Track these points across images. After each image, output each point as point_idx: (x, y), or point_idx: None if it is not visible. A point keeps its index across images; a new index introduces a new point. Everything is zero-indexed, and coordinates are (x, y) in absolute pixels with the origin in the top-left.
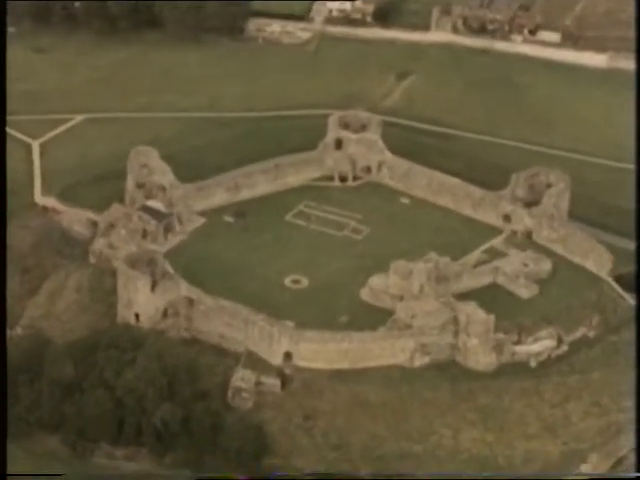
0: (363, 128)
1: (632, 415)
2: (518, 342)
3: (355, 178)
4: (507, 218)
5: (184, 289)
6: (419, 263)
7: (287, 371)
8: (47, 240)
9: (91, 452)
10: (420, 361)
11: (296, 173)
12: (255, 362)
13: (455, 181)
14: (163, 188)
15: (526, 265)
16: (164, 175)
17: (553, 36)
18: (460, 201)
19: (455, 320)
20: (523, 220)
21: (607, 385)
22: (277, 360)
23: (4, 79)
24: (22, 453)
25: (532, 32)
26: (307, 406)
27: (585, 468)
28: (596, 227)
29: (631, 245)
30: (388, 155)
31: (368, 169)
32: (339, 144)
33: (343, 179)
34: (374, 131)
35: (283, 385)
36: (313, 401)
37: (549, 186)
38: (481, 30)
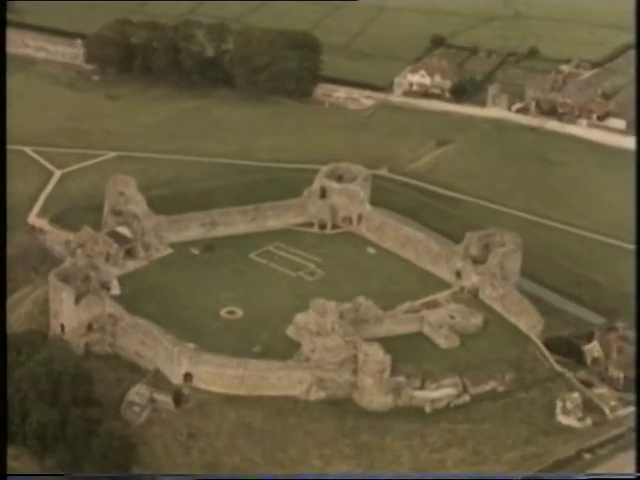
0: (353, 181)
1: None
2: (421, 388)
3: (334, 227)
4: (458, 274)
5: (108, 306)
6: (333, 303)
7: (185, 391)
8: (26, 256)
9: None
10: (316, 395)
11: (277, 217)
12: (159, 380)
13: (420, 236)
14: (137, 217)
15: (452, 317)
16: (138, 205)
17: (620, 123)
18: (421, 254)
19: (355, 359)
20: (471, 277)
21: (493, 437)
22: (178, 380)
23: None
24: None
25: (600, 118)
26: (194, 425)
27: None
28: (562, 295)
29: (587, 315)
30: (367, 207)
31: (349, 219)
32: (323, 193)
33: (322, 227)
34: (360, 184)
35: (177, 404)
36: (201, 421)
37: (502, 246)
38: (551, 112)
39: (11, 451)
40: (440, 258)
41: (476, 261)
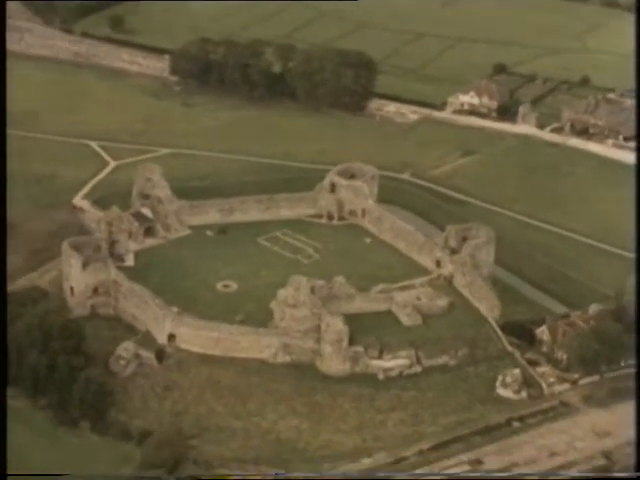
0: (364, 179)
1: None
2: (378, 358)
3: (341, 218)
4: (438, 263)
5: (113, 273)
6: (305, 279)
7: (168, 350)
8: (64, 231)
9: None
10: (282, 359)
11: (290, 208)
12: (148, 339)
13: (409, 229)
14: (161, 201)
15: (419, 299)
16: (162, 190)
17: None
18: (409, 245)
19: (319, 328)
20: (447, 265)
21: (435, 404)
22: (163, 340)
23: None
24: None
25: (627, 139)
26: (171, 379)
27: (365, 462)
28: (536, 288)
29: (553, 306)
30: (370, 202)
31: (354, 212)
32: (333, 188)
33: (330, 218)
34: (366, 181)
35: (160, 360)
36: (178, 376)
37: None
38: (584, 132)
39: (10, 392)
40: (424, 248)
41: (454, 252)
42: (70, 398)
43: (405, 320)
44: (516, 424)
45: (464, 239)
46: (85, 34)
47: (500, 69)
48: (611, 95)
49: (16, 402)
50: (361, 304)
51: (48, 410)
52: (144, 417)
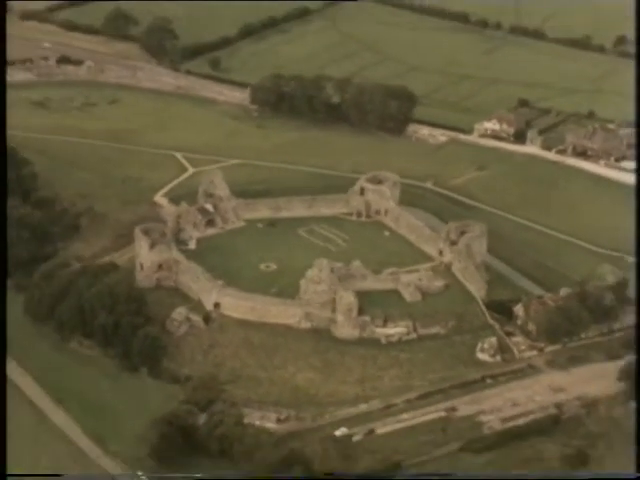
0: (387, 185)
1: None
2: (383, 326)
3: (368, 216)
4: (441, 252)
5: (174, 253)
6: (326, 261)
7: (213, 315)
8: (144, 221)
9: (69, 339)
10: (304, 325)
11: (328, 207)
12: (198, 306)
13: (420, 224)
14: (221, 199)
15: (420, 280)
16: (223, 190)
17: (630, 165)
18: (419, 237)
19: (334, 301)
20: (448, 254)
21: (425, 363)
22: (210, 306)
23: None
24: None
25: (617, 160)
26: (214, 338)
27: (362, 407)
28: (522, 274)
29: (533, 288)
30: (391, 203)
31: (378, 211)
32: (362, 192)
33: (359, 215)
34: (389, 187)
35: (206, 323)
36: (219, 336)
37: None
38: (583, 154)
39: (85, 343)
40: (430, 240)
41: (453, 243)
42: (131, 349)
43: (407, 297)
44: (489, 381)
45: (462, 233)
46: (188, 72)
47: (523, 103)
48: (610, 125)
49: (90, 351)
50: (372, 283)
51: (115, 358)
52: (190, 367)
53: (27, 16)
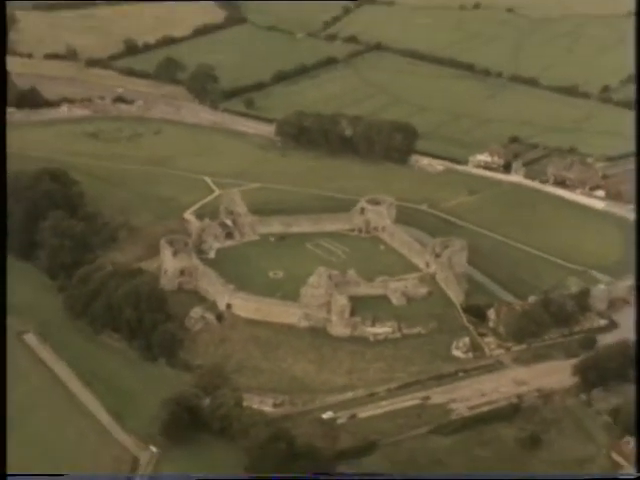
0: (384, 205)
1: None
2: (372, 326)
3: (367, 232)
4: (427, 264)
5: (194, 260)
6: (324, 268)
7: (225, 314)
8: (173, 234)
9: (100, 332)
10: (304, 324)
11: (333, 224)
12: (212, 306)
13: (411, 240)
14: (240, 215)
15: (407, 287)
16: (241, 207)
17: (601, 193)
18: (410, 251)
19: (329, 303)
20: (433, 266)
21: (407, 358)
22: (222, 307)
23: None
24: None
25: (592, 189)
26: (226, 334)
27: (348, 394)
28: (498, 284)
29: (506, 296)
30: (388, 222)
31: (376, 228)
32: (362, 211)
33: (360, 232)
34: (385, 207)
35: (219, 321)
36: (230, 332)
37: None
38: (562, 183)
39: (114, 336)
40: (419, 254)
41: (438, 256)
42: (152, 342)
43: (394, 301)
44: (461, 374)
45: (446, 247)
46: (225, 110)
47: (514, 139)
48: (588, 159)
49: (117, 343)
50: (365, 289)
51: (138, 349)
52: (203, 358)
53: (91, 63)
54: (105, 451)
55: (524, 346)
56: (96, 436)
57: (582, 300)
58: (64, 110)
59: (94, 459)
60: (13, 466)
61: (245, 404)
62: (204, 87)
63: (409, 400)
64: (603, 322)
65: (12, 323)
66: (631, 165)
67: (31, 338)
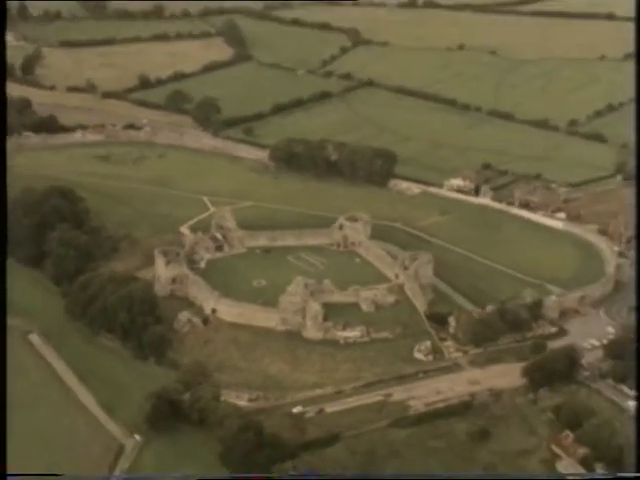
0: (361, 223)
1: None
2: (342, 330)
3: (345, 247)
4: (397, 276)
5: (185, 269)
6: (301, 278)
7: (211, 318)
8: (169, 246)
9: (97, 333)
10: (281, 328)
11: (314, 238)
12: (199, 311)
13: (383, 253)
14: (230, 230)
15: (376, 296)
16: (230, 223)
17: (562, 215)
18: (382, 264)
19: (304, 309)
20: (401, 278)
21: (372, 359)
22: (208, 311)
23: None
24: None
25: (553, 211)
26: (210, 336)
27: (317, 391)
28: (460, 294)
29: (467, 305)
30: (364, 237)
31: (353, 243)
32: (341, 227)
33: (338, 246)
34: (361, 224)
35: (205, 324)
36: (214, 334)
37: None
38: (527, 206)
39: (109, 336)
40: (390, 266)
41: (406, 268)
42: (143, 343)
43: (364, 308)
44: (420, 375)
45: (414, 260)
46: (226, 137)
47: (486, 166)
48: (552, 185)
49: (112, 343)
50: (338, 297)
51: (130, 349)
52: (189, 357)
53: (107, 95)
54: (95, 438)
55: (480, 350)
56: (88, 426)
57: (535, 309)
58: (78, 135)
59: (85, 445)
60: (12, 453)
61: (222, 399)
62: (207, 116)
63: (372, 397)
64: (554, 329)
65: (18, 324)
66: (592, 190)
67: (35, 338)
